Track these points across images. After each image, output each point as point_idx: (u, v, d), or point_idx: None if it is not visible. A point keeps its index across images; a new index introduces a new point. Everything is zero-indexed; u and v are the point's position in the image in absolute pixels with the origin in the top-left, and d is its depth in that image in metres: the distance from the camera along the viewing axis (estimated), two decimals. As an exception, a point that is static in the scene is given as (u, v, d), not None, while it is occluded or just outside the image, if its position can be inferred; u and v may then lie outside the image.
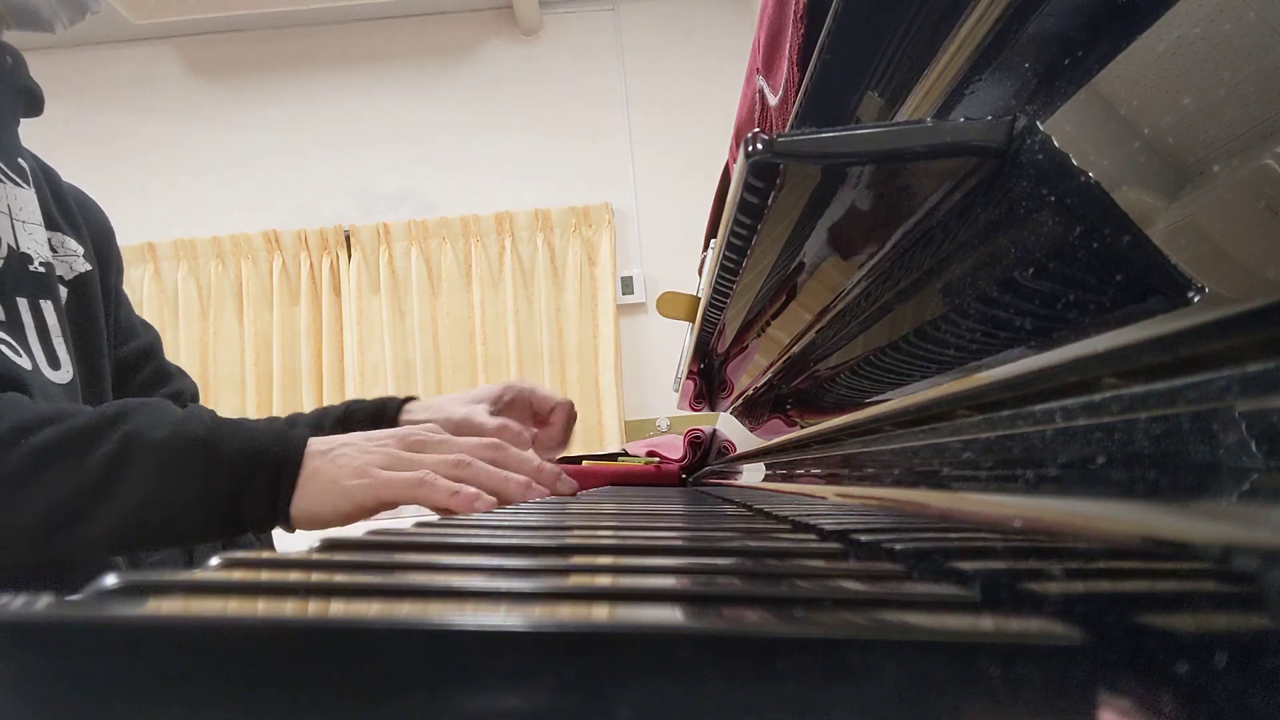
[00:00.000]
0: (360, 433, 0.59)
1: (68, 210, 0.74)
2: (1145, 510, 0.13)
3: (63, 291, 0.69)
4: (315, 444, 0.56)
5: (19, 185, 0.67)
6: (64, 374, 0.66)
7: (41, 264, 0.66)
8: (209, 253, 2.97)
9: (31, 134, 0.73)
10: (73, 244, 0.72)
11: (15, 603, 0.10)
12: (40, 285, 0.65)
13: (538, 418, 0.81)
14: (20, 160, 0.68)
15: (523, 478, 0.58)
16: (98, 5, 0.75)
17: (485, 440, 0.59)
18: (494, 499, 0.54)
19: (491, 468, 0.56)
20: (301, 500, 0.54)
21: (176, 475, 0.52)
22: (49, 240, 0.69)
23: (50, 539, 0.50)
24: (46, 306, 0.65)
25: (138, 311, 0.86)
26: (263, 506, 0.53)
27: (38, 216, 0.68)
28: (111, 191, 2.84)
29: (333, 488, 0.54)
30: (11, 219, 0.65)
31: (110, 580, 0.14)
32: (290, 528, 0.55)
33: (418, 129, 3.06)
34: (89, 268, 0.72)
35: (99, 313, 0.72)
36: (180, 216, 3.00)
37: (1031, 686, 0.11)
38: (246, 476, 0.53)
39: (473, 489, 0.53)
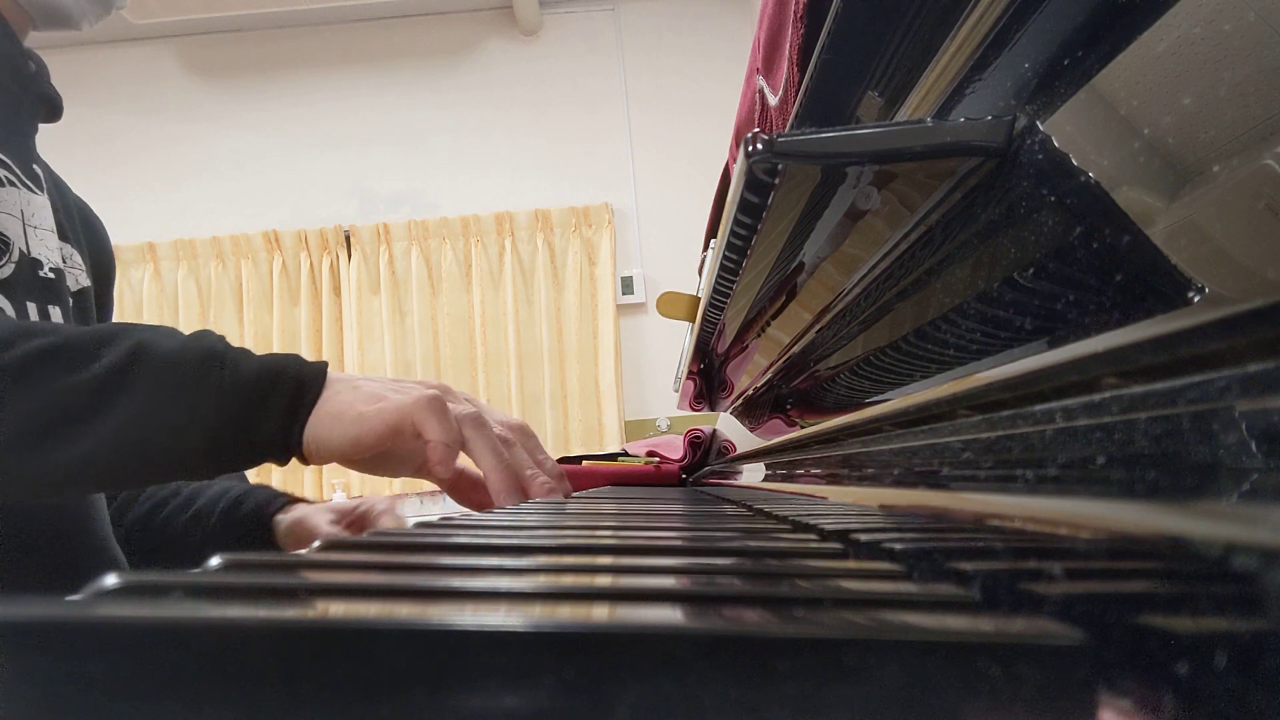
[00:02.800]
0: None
1: (73, 223, 0.73)
2: (1145, 510, 0.13)
3: (68, 303, 0.69)
4: (337, 373, 0.53)
5: (33, 192, 0.66)
6: None
7: (52, 270, 0.66)
8: (209, 253, 2.97)
9: (29, 134, 0.73)
10: (78, 258, 0.71)
11: (15, 603, 0.10)
12: (50, 291, 0.65)
13: None
14: (35, 167, 0.68)
15: (539, 474, 0.57)
16: (123, 1, 0.75)
17: (515, 422, 0.56)
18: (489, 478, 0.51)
19: (491, 438, 0.52)
20: (316, 424, 0.50)
21: (189, 386, 0.48)
22: (59, 250, 0.69)
23: (42, 455, 0.45)
24: (55, 312, 0.65)
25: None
26: (278, 427, 0.49)
27: (50, 224, 0.68)
28: (111, 191, 2.86)
29: (349, 412, 0.50)
30: (24, 224, 0.64)
31: (110, 580, 0.14)
32: (302, 458, 0.51)
33: (418, 129, 3.06)
34: (88, 284, 0.72)
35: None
36: (180, 216, 3.01)
37: (1031, 686, 0.11)
38: (264, 392, 0.49)
39: (458, 434, 0.50)
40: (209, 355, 0.49)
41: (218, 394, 0.48)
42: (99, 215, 0.80)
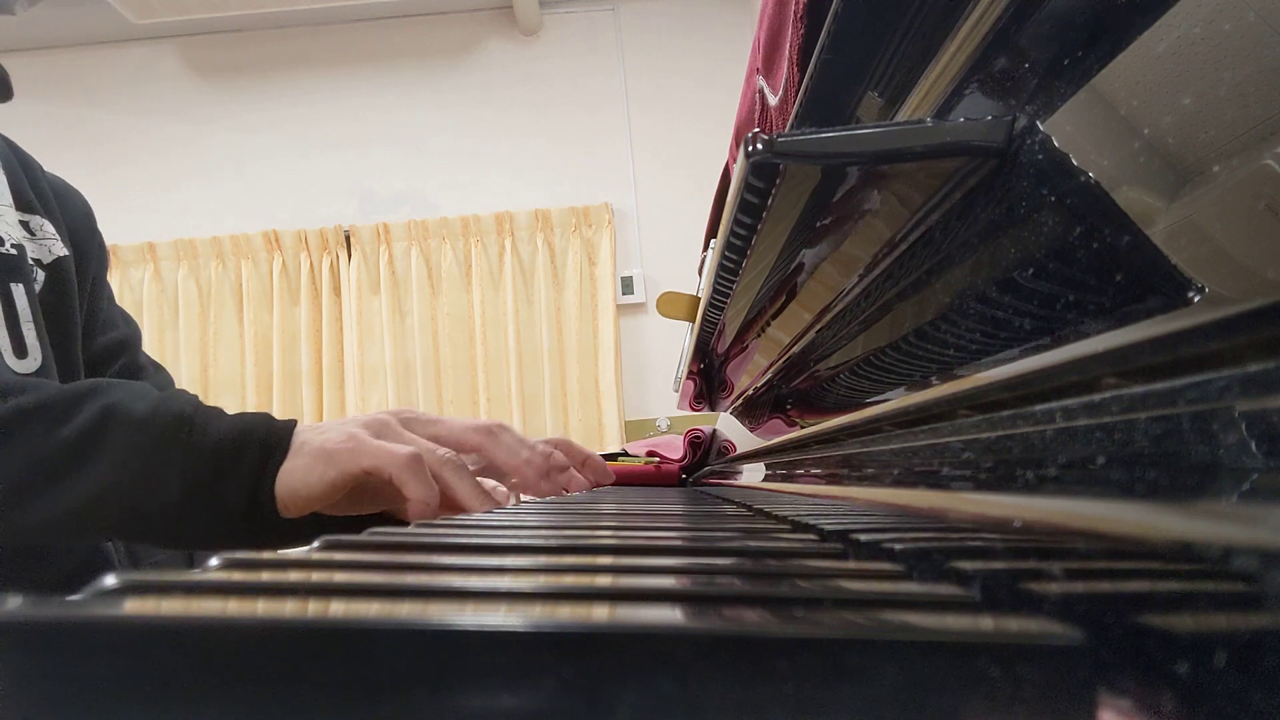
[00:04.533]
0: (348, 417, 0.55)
1: (43, 195, 0.72)
2: (1145, 510, 0.13)
3: (40, 275, 0.67)
4: (303, 426, 0.53)
5: None
6: (30, 362, 0.63)
7: (13, 245, 0.64)
8: (209, 253, 2.97)
9: (30, 134, 0.73)
10: (49, 228, 0.70)
11: (15, 603, 0.10)
12: (9, 268, 0.63)
13: None
14: None
15: (503, 489, 0.56)
16: None
17: (482, 424, 0.55)
18: (470, 503, 0.51)
19: (471, 480, 0.52)
20: (286, 474, 0.50)
21: (158, 451, 0.48)
22: (26, 223, 0.67)
23: (14, 514, 0.47)
24: (16, 290, 0.63)
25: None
26: (248, 486, 0.50)
27: (7, 199, 0.66)
28: (111, 191, 2.86)
29: (319, 455, 0.50)
30: None
31: (110, 580, 0.14)
32: (275, 513, 0.51)
33: (418, 129, 3.06)
34: (66, 253, 0.70)
35: (74, 299, 0.70)
36: (180, 216, 3.01)
37: (1031, 686, 0.11)
38: (233, 455, 0.49)
39: (438, 491, 0.50)
40: (177, 420, 0.49)
41: (184, 458, 0.49)
42: (86, 199, 0.78)
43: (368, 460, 0.49)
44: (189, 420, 0.50)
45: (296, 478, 0.50)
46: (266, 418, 0.52)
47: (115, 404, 0.49)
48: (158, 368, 0.81)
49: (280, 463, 0.50)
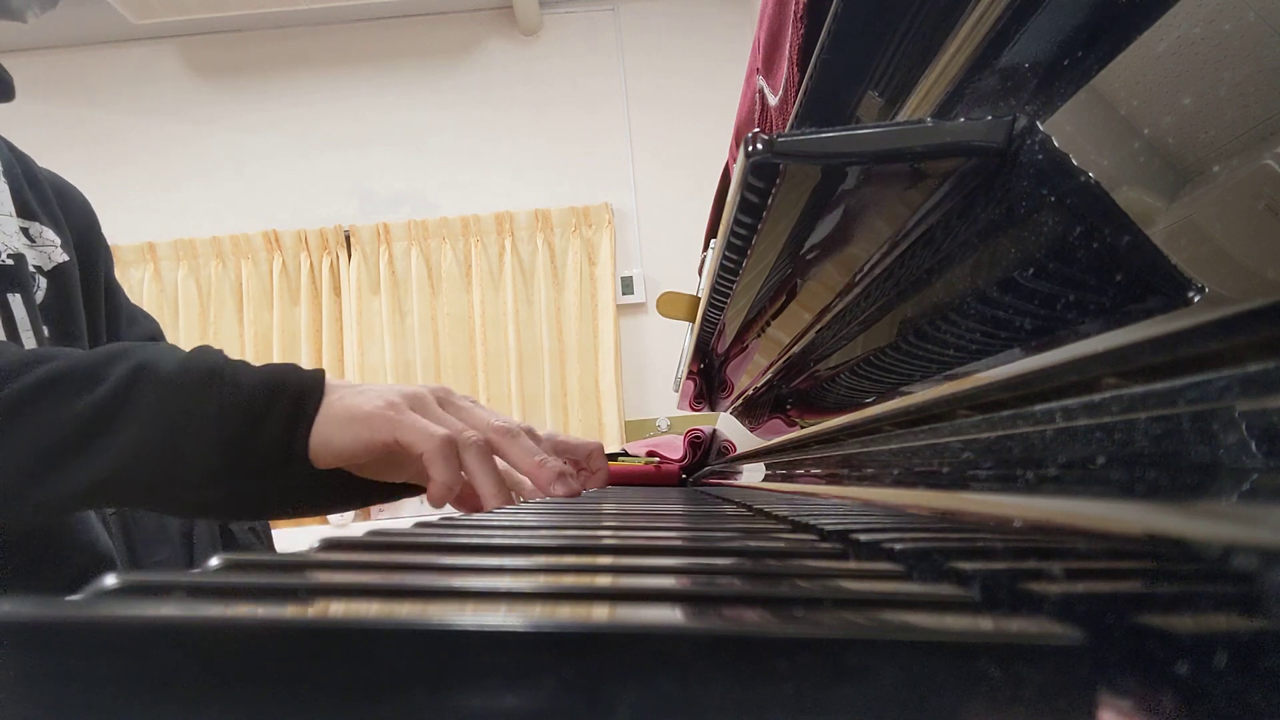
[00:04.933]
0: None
1: (44, 198, 0.71)
2: (1145, 510, 0.13)
3: (41, 283, 0.67)
4: (334, 379, 0.53)
5: None
6: None
7: (10, 256, 0.64)
8: (209, 253, 2.97)
9: (31, 134, 0.72)
10: (50, 234, 0.69)
11: (15, 603, 0.10)
12: (7, 279, 0.63)
13: None
14: None
15: (529, 484, 0.56)
16: None
17: (501, 423, 0.56)
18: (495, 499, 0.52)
19: (495, 473, 0.52)
20: (322, 427, 0.50)
21: (191, 406, 0.48)
22: (25, 230, 0.67)
23: (51, 482, 0.46)
24: (14, 300, 0.63)
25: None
26: (282, 436, 0.50)
27: (8, 207, 0.66)
28: (111, 191, 2.86)
29: (356, 413, 0.50)
30: None
31: (110, 580, 0.14)
32: (308, 464, 0.51)
33: (418, 129, 3.06)
34: (66, 258, 0.70)
35: (78, 306, 0.70)
36: (180, 216, 3.01)
37: (1031, 686, 0.11)
38: (266, 404, 0.49)
39: (461, 479, 0.50)
40: (209, 372, 0.49)
41: (220, 410, 0.48)
42: (89, 201, 0.78)
43: (402, 433, 0.50)
44: (219, 372, 0.49)
45: (331, 431, 0.50)
46: (294, 368, 0.52)
47: (145, 363, 0.48)
48: None
49: (314, 411, 0.51)
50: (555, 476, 0.54)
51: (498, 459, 0.61)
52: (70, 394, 0.47)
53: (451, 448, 0.50)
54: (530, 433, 0.57)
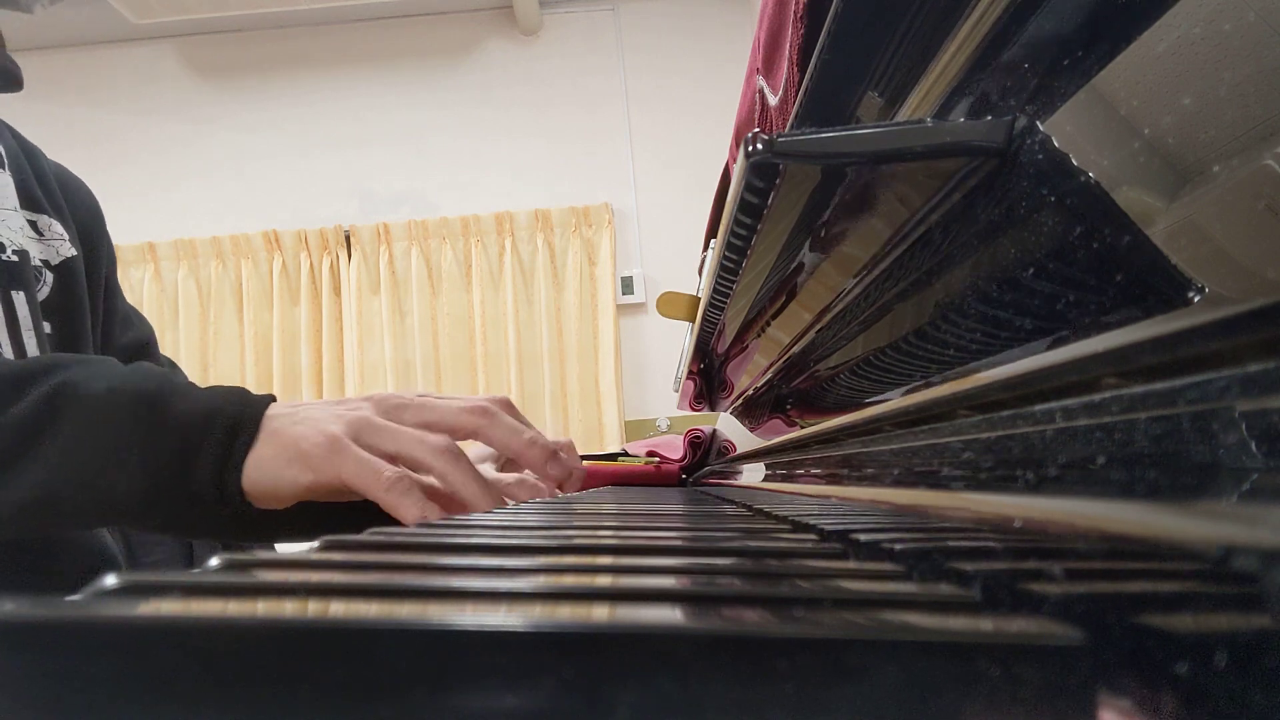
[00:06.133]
0: (328, 399, 0.51)
1: (51, 191, 0.70)
2: (1145, 510, 0.13)
3: (49, 278, 0.66)
4: (277, 406, 0.48)
5: None
6: None
7: (15, 252, 0.63)
8: (209, 253, 2.97)
9: (31, 134, 0.72)
10: (58, 227, 0.68)
11: (16, 603, 0.10)
12: (11, 275, 0.62)
13: None
14: None
15: (509, 477, 0.54)
16: None
17: (474, 404, 0.50)
18: (471, 503, 0.46)
19: (472, 472, 0.47)
20: (255, 466, 0.45)
21: (114, 433, 0.44)
22: (34, 223, 0.66)
23: None
24: (18, 298, 0.62)
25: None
26: (211, 473, 0.45)
27: (13, 201, 0.65)
28: (111, 191, 2.84)
29: (292, 450, 0.45)
30: None
31: (110, 580, 0.14)
32: (240, 505, 0.46)
33: (418, 129, 3.06)
34: (74, 253, 0.68)
35: (84, 300, 0.69)
36: (180, 216, 3.01)
37: (1031, 686, 0.11)
38: (197, 438, 0.45)
39: (434, 506, 0.45)
40: (138, 398, 0.45)
41: (145, 440, 0.44)
42: (90, 189, 0.77)
43: (347, 474, 0.45)
44: (151, 398, 0.45)
45: (266, 471, 0.45)
46: (240, 394, 0.48)
47: (68, 381, 0.45)
48: (174, 366, 0.80)
49: (247, 447, 0.46)
50: (549, 455, 0.49)
51: (486, 468, 0.57)
52: None
53: (405, 483, 0.44)
54: (508, 406, 0.52)
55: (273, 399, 0.49)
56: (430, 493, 0.47)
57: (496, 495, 0.48)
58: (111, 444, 0.44)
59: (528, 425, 0.51)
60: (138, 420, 0.45)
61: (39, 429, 0.44)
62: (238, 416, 0.46)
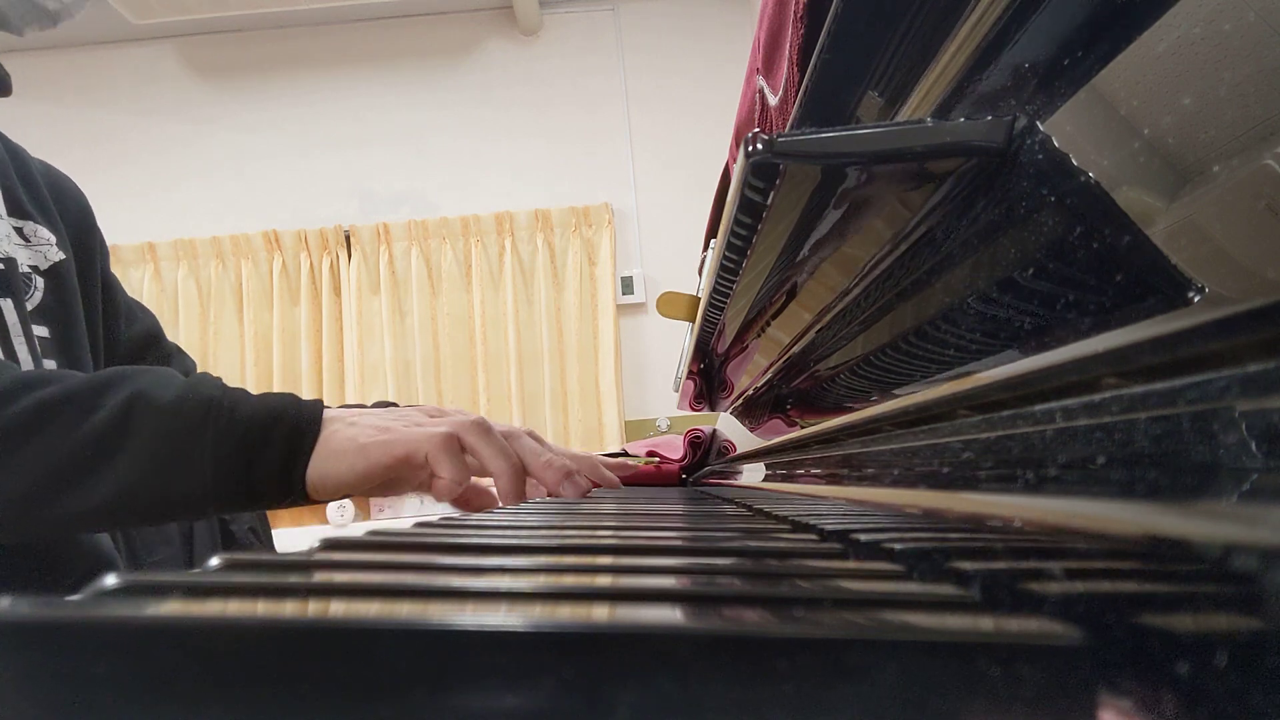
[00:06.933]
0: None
1: (38, 195, 0.70)
2: (1145, 510, 0.13)
3: (39, 283, 0.66)
4: (332, 410, 0.54)
5: None
6: None
7: (1, 260, 0.63)
8: (209, 253, 2.97)
9: (31, 134, 0.72)
10: (45, 232, 0.68)
11: (16, 603, 0.10)
12: None
13: None
14: None
15: (558, 464, 0.57)
16: (70, 14, 0.73)
17: (505, 427, 0.56)
18: (503, 490, 0.52)
19: (500, 444, 0.53)
20: (318, 462, 0.51)
21: (187, 437, 0.48)
22: (19, 230, 0.66)
23: (44, 509, 0.47)
24: (5, 305, 0.63)
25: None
26: (278, 470, 0.50)
27: (0, 208, 0.65)
28: (111, 192, 2.86)
29: (350, 446, 0.51)
30: None
31: (110, 580, 0.14)
32: (304, 496, 0.52)
33: (418, 129, 3.06)
34: (63, 256, 0.69)
35: (76, 303, 0.69)
36: (180, 216, 3.00)
37: (1031, 686, 0.11)
38: (262, 438, 0.50)
39: (469, 473, 0.51)
40: (205, 404, 0.50)
41: (215, 442, 0.49)
42: (79, 188, 0.77)
43: (401, 448, 0.50)
44: (216, 404, 0.50)
45: (327, 466, 0.51)
46: (293, 399, 0.52)
47: (141, 392, 0.49)
48: (181, 353, 0.81)
49: (311, 446, 0.51)
50: (563, 476, 0.54)
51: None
52: (69, 421, 0.47)
53: (454, 442, 0.51)
54: (533, 435, 0.58)
55: (321, 403, 0.54)
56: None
57: (521, 477, 0.53)
58: (184, 447, 0.49)
59: (544, 450, 0.57)
60: (205, 425, 0.49)
61: (117, 437, 0.48)
62: (299, 419, 0.51)
